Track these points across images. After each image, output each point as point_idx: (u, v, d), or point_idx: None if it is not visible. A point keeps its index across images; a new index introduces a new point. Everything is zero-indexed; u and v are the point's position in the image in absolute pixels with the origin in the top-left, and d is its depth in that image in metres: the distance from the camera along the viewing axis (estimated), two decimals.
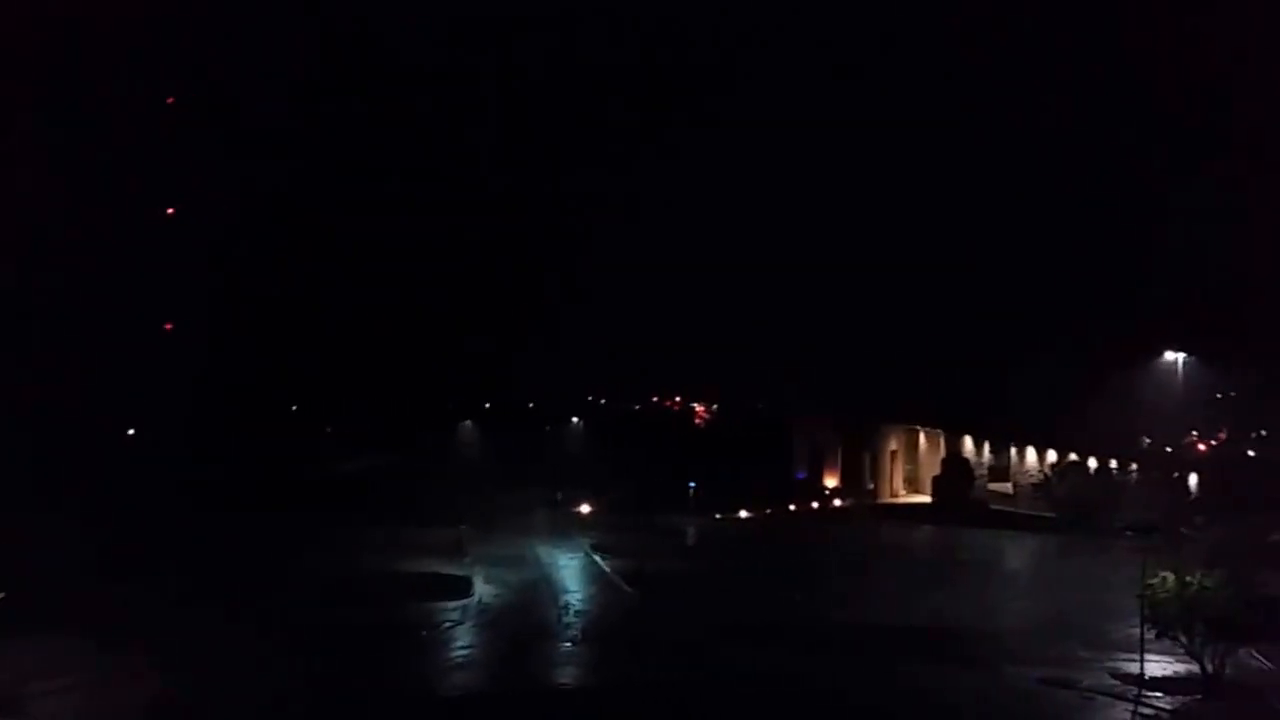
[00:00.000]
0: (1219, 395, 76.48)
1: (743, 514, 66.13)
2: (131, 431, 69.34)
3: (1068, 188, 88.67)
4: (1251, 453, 76.27)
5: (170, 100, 64.51)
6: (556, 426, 79.02)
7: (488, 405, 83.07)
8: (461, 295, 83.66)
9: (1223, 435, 79.17)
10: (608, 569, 46.73)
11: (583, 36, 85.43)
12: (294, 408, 78.85)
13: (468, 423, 78.28)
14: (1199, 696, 27.58)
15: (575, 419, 79.83)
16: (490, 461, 67.90)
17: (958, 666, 30.64)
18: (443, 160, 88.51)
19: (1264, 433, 78.45)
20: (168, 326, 70.62)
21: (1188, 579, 28.55)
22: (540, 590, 42.23)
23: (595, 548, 51.59)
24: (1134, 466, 68.39)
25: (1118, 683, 28.97)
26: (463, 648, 32.86)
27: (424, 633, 34.69)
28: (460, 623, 35.88)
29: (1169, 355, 70.55)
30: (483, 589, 41.11)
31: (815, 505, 72.39)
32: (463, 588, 40.99)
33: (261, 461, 67.13)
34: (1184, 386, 70.73)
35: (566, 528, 57.96)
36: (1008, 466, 76.37)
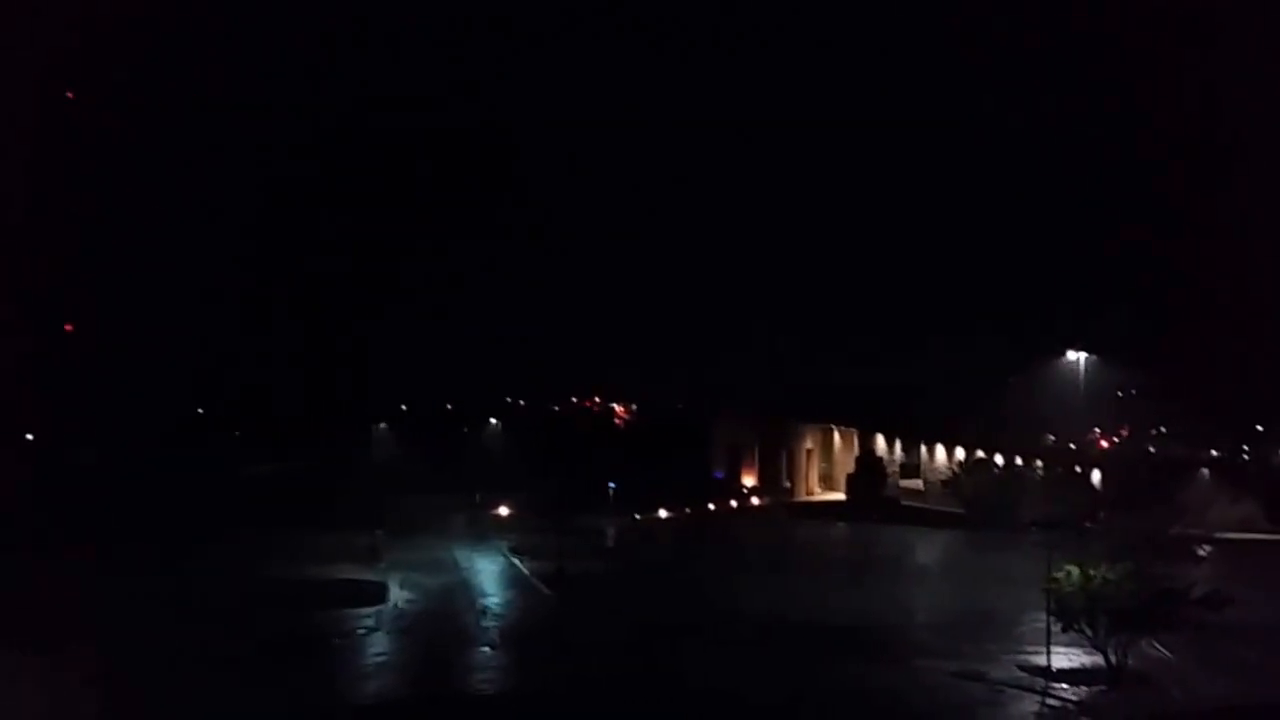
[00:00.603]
0: (1120, 394, 79.54)
1: (662, 514, 66.23)
2: (30, 437, 66.12)
3: (974, 194, 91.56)
4: (1151, 449, 79.60)
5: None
6: (475, 429, 77.90)
7: (404, 408, 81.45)
8: (375, 296, 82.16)
9: (1124, 432, 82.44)
10: (527, 571, 46.29)
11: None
12: (199, 411, 76.06)
13: (383, 426, 76.48)
14: (1103, 687, 28.49)
15: (494, 421, 78.78)
16: (407, 465, 66.49)
17: (872, 662, 31.14)
18: (358, 152, 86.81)
19: (1163, 429, 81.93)
20: (68, 328, 67.68)
21: (1091, 573, 29.45)
22: (458, 594, 41.58)
23: (514, 550, 51.05)
24: (1039, 463, 70.63)
25: (1026, 675, 29.76)
26: (377, 655, 32.13)
27: (336, 641, 33.81)
28: (375, 630, 35.08)
29: (1071, 355, 73.10)
30: (398, 594, 40.29)
31: (733, 504, 73.00)
32: (377, 594, 40.07)
33: (165, 466, 64.49)
34: (1086, 385, 73.38)
35: (485, 530, 57.23)
36: (919, 464, 78.34)
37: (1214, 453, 74.52)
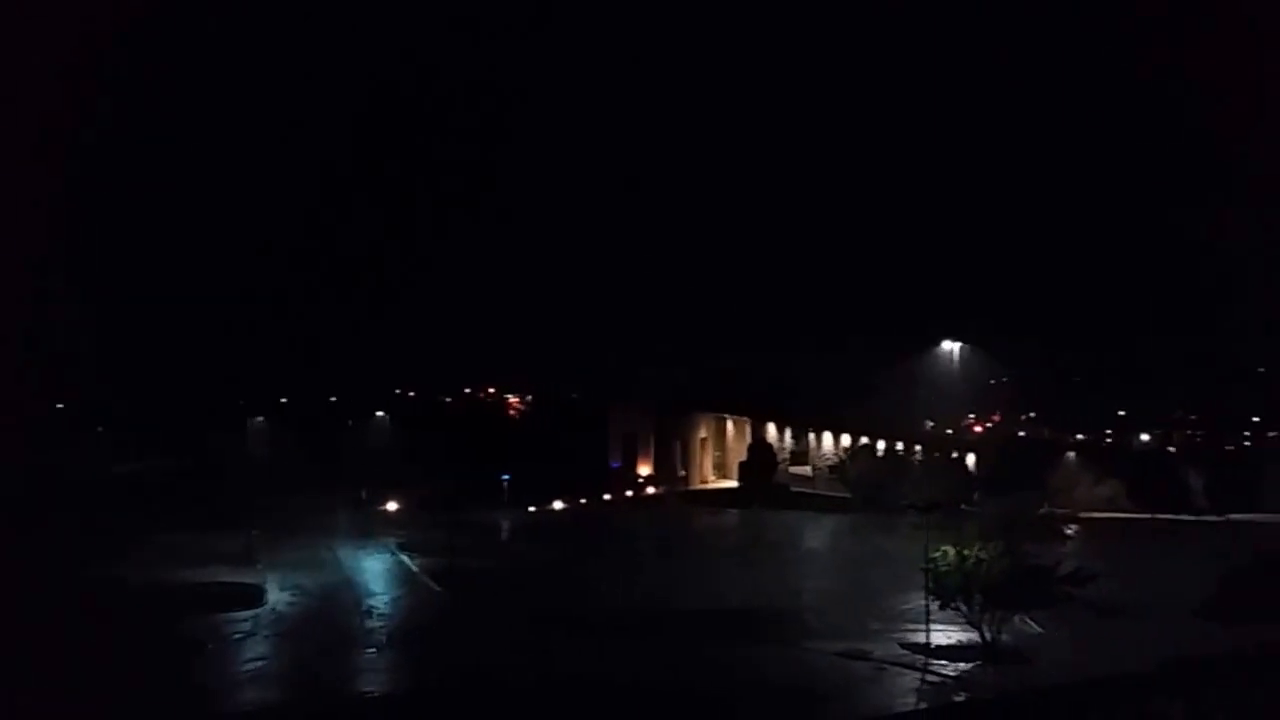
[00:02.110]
0: (993, 380, 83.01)
1: (557, 505, 65.97)
2: None
3: (855, 185, 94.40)
4: (1022, 433, 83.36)
5: None
6: (360, 422, 75.64)
7: (283, 401, 78.31)
8: (253, 284, 78.87)
9: (997, 417, 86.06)
10: (415, 568, 45.26)
11: None
12: (59, 406, 71.36)
13: (260, 420, 73.35)
14: (979, 662, 29.62)
15: (380, 413, 76.64)
16: (286, 460, 64.00)
17: (762, 645, 31.66)
18: (245, 144, 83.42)
19: (1033, 414, 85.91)
20: None
21: (966, 553, 30.68)
22: (342, 595, 40.27)
23: (402, 547, 49.85)
24: (918, 448, 73.10)
25: (907, 652, 30.75)
26: (254, 660, 30.82)
27: (210, 646, 32.32)
28: (252, 634, 33.69)
29: (946, 344, 75.95)
30: (277, 596, 38.79)
31: (629, 494, 73.26)
32: (254, 596, 38.51)
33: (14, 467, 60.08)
34: (961, 373, 76.36)
35: (371, 527, 55.74)
36: (807, 451, 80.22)
37: (1079, 436, 78.56)
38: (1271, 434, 79.09)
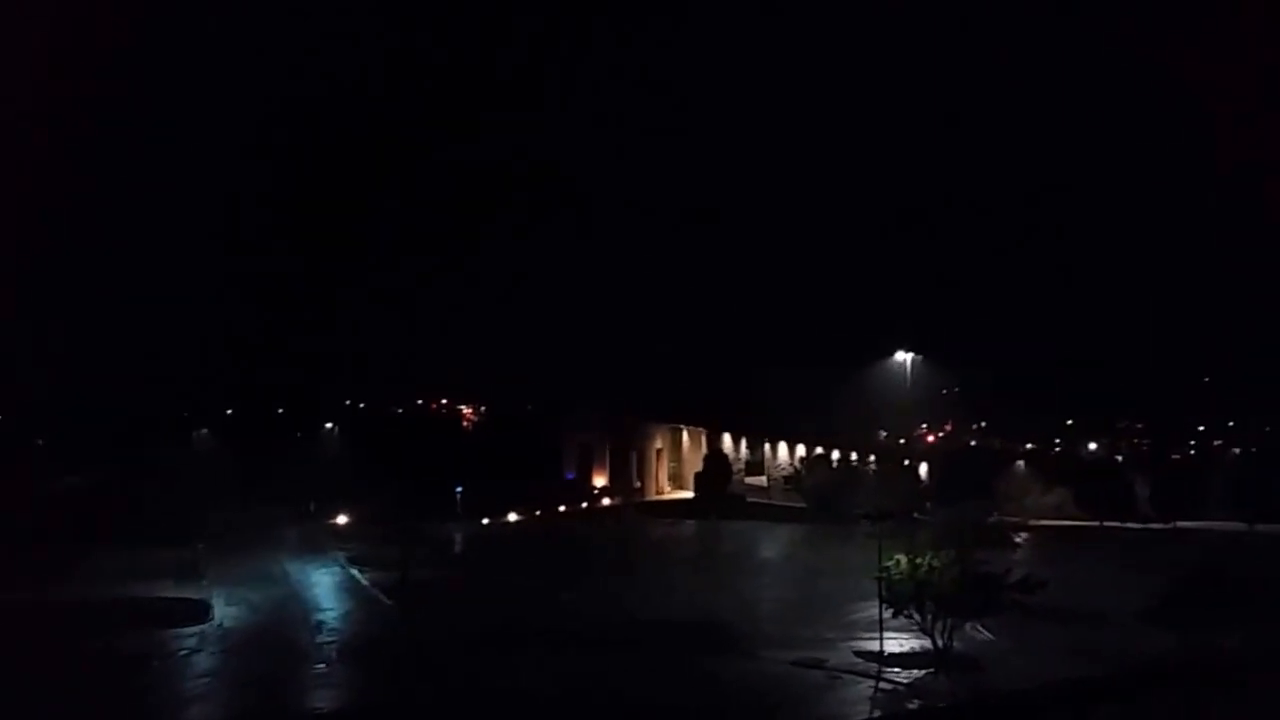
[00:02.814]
0: (944, 391, 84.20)
1: (512, 517, 65.47)
2: None
3: (809, 198, 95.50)
4: (973, 442, 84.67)
5: None
6: (310, 433, 74.35)
7: (229, 412, 76.67)
8: (199, 293, 77.26)
9: (948, 427, 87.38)
10: (366, 582, 44.51)
11: None
12: None
13: (205, 432, 71.77)
14: (931, 670, 29.80)
15: (330, 425, 75.39)
16: (233, 473, 62.69)
17: (719, 655, 31.56)
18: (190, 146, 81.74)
19: (983, 424, 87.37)
20: None
21: (918, 561, 30.88)
22: (290, 609, 39.44)
23: (353, 560, 49.01)
24: (872, 458, 73.83)
25: (861, 660, 30.83)
26: (200, 677, 29.95)
27: (155, 663, 31.36)
28: (198, 650, 32.76)
29: (900, 355, 76.89)
30: (224, 611, 37.84)
31: (585, 505, 72.97)
32: (200, 611, 37.55)
33: None
34: (913, 383, 77.25)
35: (321, 541, 54.82)
36: (763, 461, 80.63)
37: (1028, 445, 79.95)
38: (1216, 442, 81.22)
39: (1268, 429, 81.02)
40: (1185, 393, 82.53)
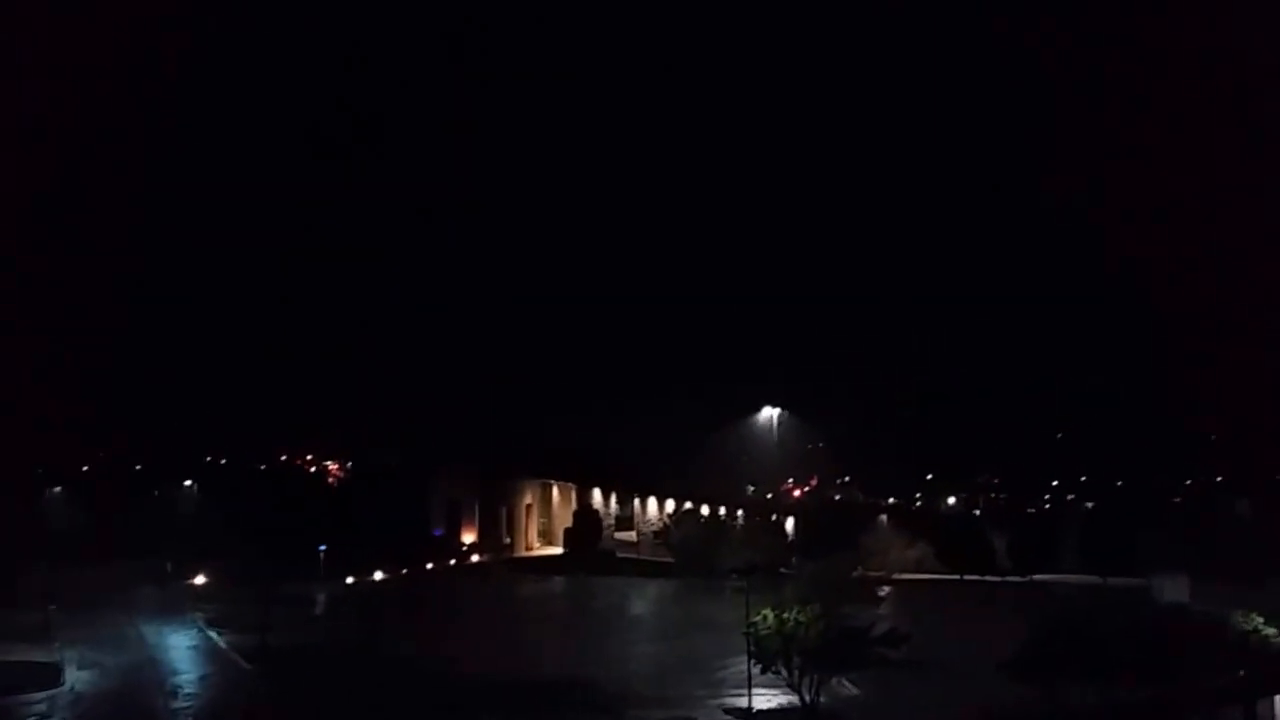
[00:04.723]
0: (810, 446, 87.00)
1: (378, 575, 63.67)
2: None
3: (677, 254, 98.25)
4: (837, 497, 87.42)
5: None
6: (167, 490, 70.70)
7: (85, 469, 72.23)
8: (53, 343, 72.64)
9: (814, 482, 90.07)
10: (224, 645, 42.59)
11: None
12: None
13: (58, 489, 67.47)
14: None
15: (188, 482, 71.90)
16: (86, 531, 59.02)
17: (588, 716, 31.54)
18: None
19: (848, 479, 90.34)
20: None
21: (785, 615, 31.65)
22: (145, 673, 37.41)
23: (210, 622, 46.83)
24: (740, 512, 75.35)
25: (730, 717, 31.39)
26: None
27: None
28: (48, 716, 31.09)
29: (766, 410, 79.23)
30: (76, 676, 35.74)
31: (452, 562, 71.69)
32: (51, 676, 35.38)
33: None
34: (780, 439, 79.68)
35: (177, 602, 52.09)
36: (632, 516, 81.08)
37: (891, 500, 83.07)
38: (1070, 496, 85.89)
39: (1119, 483, 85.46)
40: (1039, 448, 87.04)
